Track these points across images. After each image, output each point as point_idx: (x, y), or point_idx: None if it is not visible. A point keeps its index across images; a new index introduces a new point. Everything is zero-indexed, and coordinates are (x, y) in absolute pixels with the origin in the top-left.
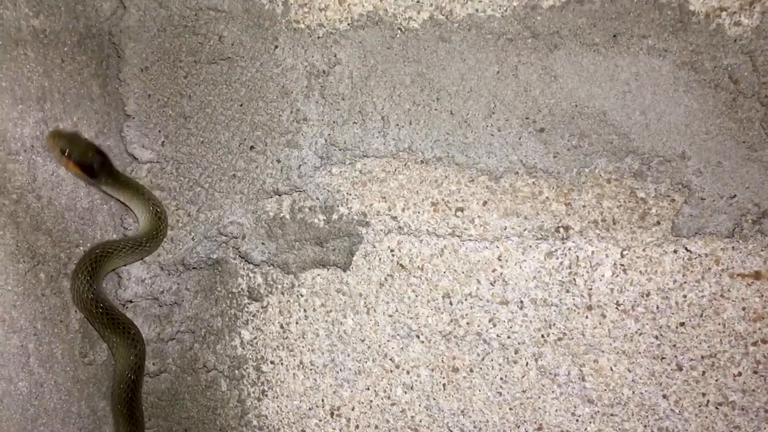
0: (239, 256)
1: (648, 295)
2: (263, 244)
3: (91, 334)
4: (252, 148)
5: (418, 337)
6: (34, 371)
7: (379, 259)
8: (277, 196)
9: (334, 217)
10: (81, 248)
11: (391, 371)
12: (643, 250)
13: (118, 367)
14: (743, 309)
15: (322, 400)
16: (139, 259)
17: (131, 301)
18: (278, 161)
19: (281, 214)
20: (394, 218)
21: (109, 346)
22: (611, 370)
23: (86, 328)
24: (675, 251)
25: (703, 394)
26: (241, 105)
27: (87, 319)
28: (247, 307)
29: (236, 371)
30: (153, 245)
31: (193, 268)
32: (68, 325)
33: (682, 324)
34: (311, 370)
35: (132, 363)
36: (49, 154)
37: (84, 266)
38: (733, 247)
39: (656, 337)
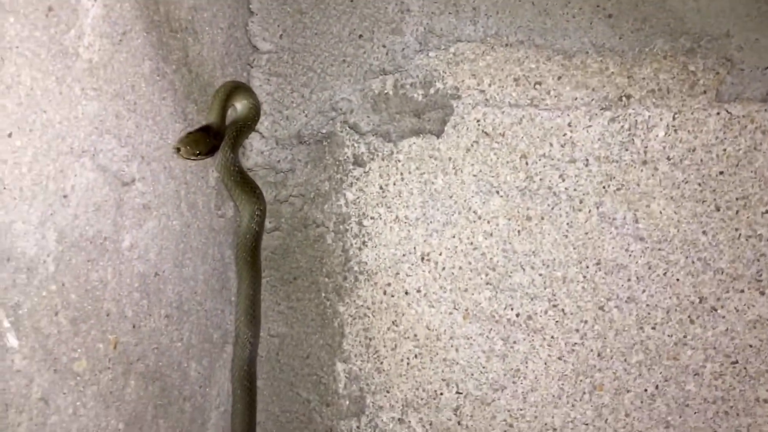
0: (347, 127)
1: (694, 150)
2: (368, 116)
3: (222, 192)
4: (360, 36)
5: (497, 192)
6: (184, 214)
7: (467, 128)
8: (382, 76)
9: (431, 91)
10: None
11: (474, 222)
12: (692, 113)
13: (244, 220)
14: None
15: (414, 248)
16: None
17: (251, 170)
18: (384, 46)
19: (385, 91)
20: (482, 92)
21: (237, 203)
22: (660, 213)
23: (219, 187)
24: (718, 113)
25: (736, 229)
26: (351, 0)
27: (222, 179)
28: (352, 172)
29: (341, 226)
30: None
31: (305, 142)
32: (207, 182)
33: (721, 173)
34: (405, 223)
35: (256, 216)
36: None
37: (228, 135)
38: (765, 109)
39: (699, 185)
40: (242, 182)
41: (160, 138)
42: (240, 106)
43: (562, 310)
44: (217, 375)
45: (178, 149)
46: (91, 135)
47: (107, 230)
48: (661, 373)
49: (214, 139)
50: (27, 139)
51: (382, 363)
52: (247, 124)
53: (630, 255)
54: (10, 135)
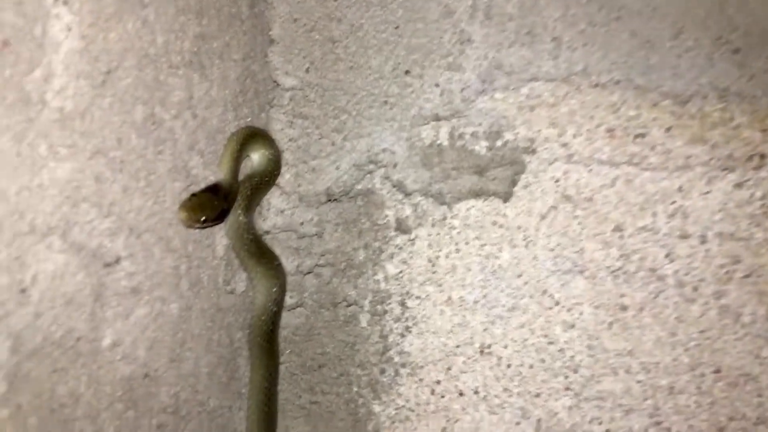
0: (389, 184)
1: None
2: (416, 172)
3: (233, 263)
4: (407, 72)
5: (581, 272)
6: (184, 294)
7: (542, 190)
8: (434, 122)
9: (498, 143)
10: None
11: (550, 308)
12: None
13: (259, 298)
14: None
15: (472, 338)
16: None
17: (269, 232)
18: (437, 85)
19: (438, 141)
20: (564, 145)
21: (250, 276)
22: None
23: (229, 256)
24: None
25: None
26: (396, 27)
27: (234, 247)
28: (393, 240)
29: (378, 306)
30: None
31: (335, 199)
32: (214, 251)
33: None
34: (460, 306)
35: (274, 293)
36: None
37: (241, 194)
38: None
39: None
40: (258, 252)
41: (154, 203)
42: (256, 156)
43: (668, 428)
44: None
45: (180, 215)
46: (62, 207)
47: (81, 328)
48: None
49: (224, 200)
50: None
51: None
52: (265, 178)
53: (761, 363)
54: None
